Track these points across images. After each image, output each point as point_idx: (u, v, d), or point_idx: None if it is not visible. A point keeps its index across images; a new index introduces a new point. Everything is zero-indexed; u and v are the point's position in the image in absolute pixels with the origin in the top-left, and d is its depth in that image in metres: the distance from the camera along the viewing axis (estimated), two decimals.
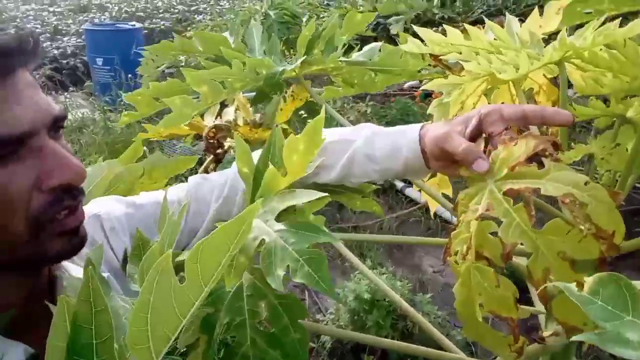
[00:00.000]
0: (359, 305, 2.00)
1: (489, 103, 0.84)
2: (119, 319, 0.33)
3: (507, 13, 0.72)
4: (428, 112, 0.76)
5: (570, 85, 0.64)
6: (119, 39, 5.12)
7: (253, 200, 0.64)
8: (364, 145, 0.66)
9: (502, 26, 0.68)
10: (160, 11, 8.47)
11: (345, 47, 0.83)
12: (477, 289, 0.48)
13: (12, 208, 0.49)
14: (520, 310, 0.53)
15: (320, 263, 0.45)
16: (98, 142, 4.07)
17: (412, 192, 3.22)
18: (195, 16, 7.93)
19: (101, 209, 0.66)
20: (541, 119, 0.55)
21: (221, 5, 9.14)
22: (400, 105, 3.88)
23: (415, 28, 0.71)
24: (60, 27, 7.04)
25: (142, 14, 8.13)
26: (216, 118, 1.27)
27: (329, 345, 2.02)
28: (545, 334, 0.64)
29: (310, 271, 0.45)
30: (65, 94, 5.23)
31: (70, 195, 0.52)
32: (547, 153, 0.49)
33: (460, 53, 0.65)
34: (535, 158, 0.50)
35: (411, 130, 0.64)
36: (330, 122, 0.80)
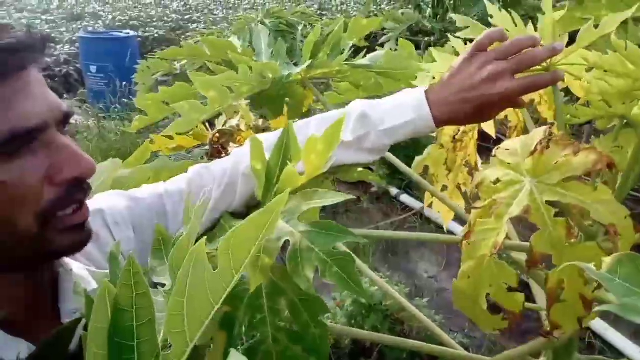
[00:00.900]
0: (357, 309, 2.01)
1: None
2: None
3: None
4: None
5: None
6: (114, 47, 5.14)
7: (265, 197, 0.65)
8: (366, 111, 0.68)
9: None
10: (154, 20, 8.48)
11: (352, 50, 0.85)
12: (490, 280, 0.49)
13: (23, 201, 0.49)
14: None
15: (348, 264, 0.46)
16: (92, 149, 4.06)
17: (407, 198, 3.25)
18: (190, 25, 7.95)
19: (103, 204, 0.67)
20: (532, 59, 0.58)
21: (215, 15, 9.19)
22: None
23: (432, 51, 0.74)
24: (53, 35, 7.02)
25: (136, 22, 8.14)
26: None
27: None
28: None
29: (340, 272, 0.46)
30: None
31: (80, 189, 0.53)
32: (599, 172, 0.49)
33: None
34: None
35: (416, 91, 0.67)
36: None
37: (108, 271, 0.51)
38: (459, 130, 0.79)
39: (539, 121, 0.83)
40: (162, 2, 11.24)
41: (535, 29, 0.64)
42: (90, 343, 0.32)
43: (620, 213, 0.46)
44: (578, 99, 0.70)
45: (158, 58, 1.03)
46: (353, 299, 2.01)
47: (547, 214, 0.48)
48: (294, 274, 0.48)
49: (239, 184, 0.70)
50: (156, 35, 7.25)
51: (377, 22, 0.87)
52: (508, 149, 0.55)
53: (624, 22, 0.54)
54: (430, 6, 4.19)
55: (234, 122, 1.30)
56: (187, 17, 8.99)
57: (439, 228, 3.09)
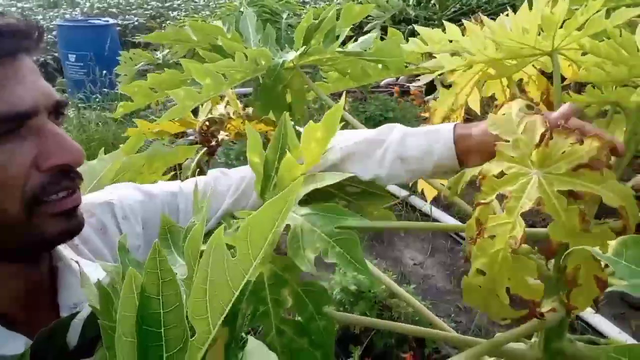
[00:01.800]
0: (345, 297, 2.02)
1: (480, 95, 0.88)
2: None
3: (476, 13, 0.74)
4: (429, 106, 0.79)
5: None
6: (93, 35, 5.03)
7: (264, 189, 0.65)
8: (395, 146, 0.66)
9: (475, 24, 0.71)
10: (134, 7, 8.31)
11: (344, 37, 0.85)
12: (508, 273, 0.49)
13: (9, 186, 0.49)
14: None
15: (351, 243, 0.46)
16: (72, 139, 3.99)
17: (391, 187, 3.27)
18: (170, 12, 7.81)
19: (114, 196, 0.66)
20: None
21: (196, 2, 9.03)
22: (379, 101, 3.92)
23: (417, 28, 0.73)
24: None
25: (114, 10, 7.97)
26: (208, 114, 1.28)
27: None
28: (543, 309, 0.68)
29: (342, 251, 0.46)
30: None
31: (68, 177, 0.53)
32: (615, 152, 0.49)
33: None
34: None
35: (444, 130, 0.64)
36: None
37: (112, 263, 0.51)
38: (452, 110, 0.80)
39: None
40: None
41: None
42: (118, 331, 0.32)
43: (627, 194, 0.47)
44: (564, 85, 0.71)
45: (142, 44, 1.01)
46: (341, 286, 2.03)
47: (559, 204, 0.48)
48: (295, 256, 0.48)
49: (253, 193, 0.70)
50: (136, 23, 7.11)
51: (369, 9, 0.86)
52: (508, 141, 0.55)
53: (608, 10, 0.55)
54: None
55: (221, 109, 1.29)
56: (168, 4, 8.82)
57: (423, 216, 3.13)
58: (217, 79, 0.77)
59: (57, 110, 0.54)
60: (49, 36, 6.23)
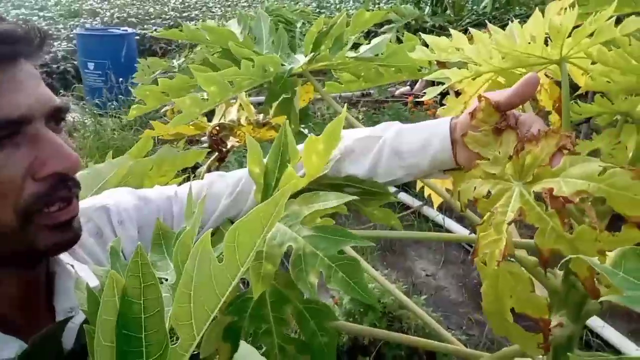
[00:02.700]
0: (355, 307, 2.01)
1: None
2: None
3: (490, 23, 0.74)
4: (437, 114, 0.78)
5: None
6: (112, 44, 5.12)
7: (264, 199, 0.64)
8: (391, 141, 0.65)
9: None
10: (152, 17, 8.46)
11: (352, 43, 0.85)
12: (508, 291, 0.48)
13: (2, 194, 0.48)
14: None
15: (354, 268, 0.45)
16: (89, 146, 4.05)
17: (404, 197, 3.25)
18: (188, 22, 7.93)
19: (110, 201, 0.66)
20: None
21: (213, 12, 9.16)
22: (392, 110, 3.92)
23: (424, 36, 0.73)
24: (50, 32, 6.98)
25: (133, 19, 8.12)
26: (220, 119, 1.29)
27: None
28: (552, 324, 0.66)
29: (345, 277, 0.45)
30: None
31: (65, 186, 0.51)
32: (567, 148, 0.49)
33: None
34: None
35: (441, 123, 0.64)
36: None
37: (107, 267, 0.50)
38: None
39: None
40: (160, 0, 11.20)
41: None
42: (97, 335, 0.31)
43: (590, 171, 0.46)
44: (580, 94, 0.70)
45: (154, 47, 1.02)
46: (351, 296, 2.01)
47: (540, 209, 0.47)
48: (298, 280, 0.47)
49: (251, 194, 0.69)
50: (154, 33, 7.22)
51: (379, 15, 0.86)
52: (488, 159, 0.56)
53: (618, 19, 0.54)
54: (428, 4, 4.21)
55: (233, 116, 1.29)
56: (185, 14, 8.98)
57: (436, 226, 3.10)
58: (223, 87, 0.77)
59: (56, 116, 0.53)
60: (69, 45, 6.37)
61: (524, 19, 0.69)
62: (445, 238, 1.34)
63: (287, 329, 0.49)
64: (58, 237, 0.52)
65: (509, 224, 0.48)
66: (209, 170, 1.27)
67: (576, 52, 0.59)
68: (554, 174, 0.49)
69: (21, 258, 0.53)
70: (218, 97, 0.76)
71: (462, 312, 2.53)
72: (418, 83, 5.67)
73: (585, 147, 0.59)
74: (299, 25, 3.67)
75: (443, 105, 0.86)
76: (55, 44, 6.49)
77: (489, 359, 0.67)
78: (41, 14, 9.26)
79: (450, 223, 3.06)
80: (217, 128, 1.19)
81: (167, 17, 8.57)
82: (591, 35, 0.58)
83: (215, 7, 10.05)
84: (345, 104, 0.69)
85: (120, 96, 4.74)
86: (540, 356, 0.74)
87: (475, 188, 0.56)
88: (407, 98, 5.05)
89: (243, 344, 0.31)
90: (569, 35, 0.58)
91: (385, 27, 3.36)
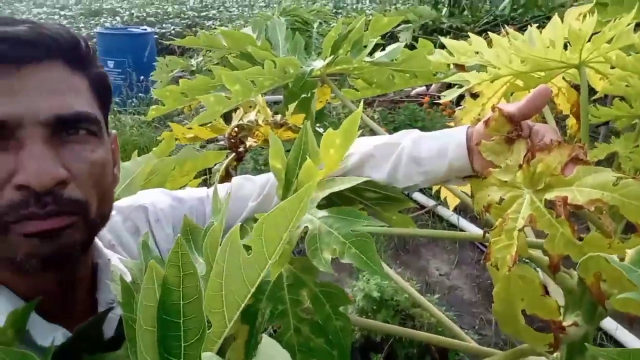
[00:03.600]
0: (367, 304, 2.02)
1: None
2: None
3: (506, 25, 0.75)
4: (455, 116, 0.79)
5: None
6: (131, 42, 5.19)
7: (285, 194, 0.67)
8: (410, 148, 0.67)
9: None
10: (171, 16, 8.55)
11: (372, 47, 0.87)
12: (519, 294, 0.50)
13: None
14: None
15: (367, 245, 0.47)
16: None
17: (419, 196, 3.25)
18: (205, 22, 8.00)
19: (147, 201, 0.69)
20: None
21: (230, 12, 9.23)
22: (408, 111, 3.92)
23: (443, 40, 0.74)
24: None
25: (152, 19, 8.22)
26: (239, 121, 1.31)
27: None
28: (565, 324, 0.67)
29: (358, 252, 0.47)
30: None
31: (38, 201, 0.48)
32: (579, 159, 0.50)
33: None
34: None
35: (458, 131, 0.66)
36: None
37: (138, 260, 0.53)
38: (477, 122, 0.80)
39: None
40: None
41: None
42: (139, 320, 0.33)
43: (604, 181, 0.47)
44: (597, 98, 0.71)
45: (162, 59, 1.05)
46: (364, 293, 2.02)
47: (551, 216, 0.49)
48: (314, 257, 0.49)
49: (275, 198, 0.71)
50: (172, 32, 7.31)
51: (397, 20, 0.88)
52: (500, 167, 0.57)
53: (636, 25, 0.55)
54: (446, 5, 4.20)
55: (251, 116, 1.32)
56: (203, 14, 9.05)
57: (450, 226, 3.10)
58: (246, 86, 0.80)
59: (68, 126, 0.51)
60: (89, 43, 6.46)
61: (542, 20, 0.69)
62: (459, 237, 1.35)
63: (302, 309, 0.51)
64: (34, 246, 0.49)
65: (520, 230, 0.49)
66: (227, 169, 1.30)
67: (595, 57, 0.60)
68: (567, 182, 0.50)
69: (10, 267, 0.51)
70: (241, 96, 0.78)
71: (475, 312, 2.52)
72: (434, 84, 5.66)
73: (603, 150, 0.60)
74: (315, 25, 3.70)
75: (459, 106, 0.87)
76: None
77: (502, 356, 0.68)
78: (62, 13, 9.42)
79: (464, 223, 3.06)
80: (236, 129, 1.21)
81: (186, 16, 8.65)
82: (610, 40, 0.59)
83: (233, 7, 10.12)
84: (362, 101, 0.71)
85: (139, 94, 4.81)
86: (556, 354, 0.75)
87: (489, 195, 0.57)
88: (423, 98, 5.04)
89: (265, 337, 0.32)
90: (589, 40, 0.59)
91: (402, 26, 3.36)
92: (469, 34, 0.71)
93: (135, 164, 0.79)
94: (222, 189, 0.76)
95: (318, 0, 8.64)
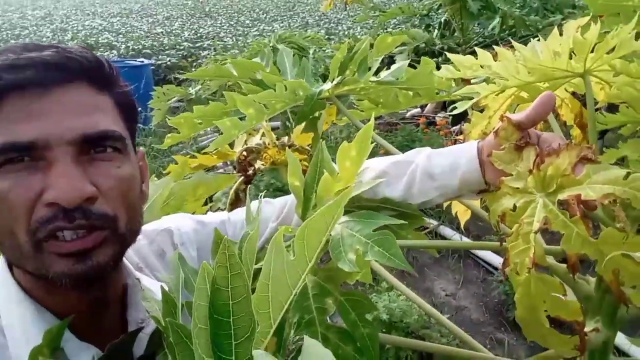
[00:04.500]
0: (379, 327, 2.01)
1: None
2: None
3: (497, 45, 0.78)
4: (463, 129, 0.81)
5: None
6: (129, 75, 5.26)
7: (305, 211, 0.68)
8: (423, 164, 0.69)
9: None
10: (166, 48, 8.69)
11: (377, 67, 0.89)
12: (542, 297, 0.51)
13: (16, 214, 0.49)
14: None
15: (390, 242, 0.48)
16: None
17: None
18: (200, 52, 8.14)
19: (172, 225, 0.71)
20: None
21: (224, 42, 9.39)
22: (405, 132, 3.97)
23: (450, 55, 0.77)
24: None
25: (148, 51, 8.36)
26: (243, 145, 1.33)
27: None
28: (587, 329, 0.67)
29: (381, 250, 0.48)
30: None
31: (66, 217, 0.49)
32: (588, 159, 0.52)
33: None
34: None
35: (469, 145, 0.68)
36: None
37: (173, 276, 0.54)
38: (484, 134, 0.82)
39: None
40: (173, 31, 11.52)
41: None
42: (194, 319, 0.35)
43: (614, 177, 0.48)
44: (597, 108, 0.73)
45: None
46: (374, 316, 2.01)
47: (564, 217, 0.50)
48: (338, 260, 0.50)
49: (294, 218, 0.74)
50: (169, 63, 7.42)
51: (401, 39, 0.91)
52: (512, 175, 0.59)
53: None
54: (437, 28, 4.30)
55: (257, 140, 1.34)
56: (198, 44, 9.21)
57: None
58: (259, 109, 0.82)
59: (93, 144, 0.52)
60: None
61: (530, 40, 0.72)
62: (479, 246, 1.35)
63: (328, 316, 0.51)
64: (71, 266, 0.50)
65: (536, 232, 0.50)
66: (236, 192, 1.31)
67: (599, 65, 0.63)
68: (578, 182, 0.51)
69: (53, 283, 0.52)
70: (255, 119, 0.80)
71: (484, 332, 2.50)
72: (429, 104, 5.74)
73: (612, 155, 0.62)
74: (311, 51, 3.76)
75: (456, 126, 0.89)
76: None
77: None
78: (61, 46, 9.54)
79: (467, 242, 3.06)
80: (245, 153, 1.23)
81: (181, 47, 8.81)
82: (612, 50, 0.61)
83: (227, 37, 10.31)
84: (373, 116, 0.73)
85: (138, 125, 4.84)
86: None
87: (502, 204, 0.58)
88: (419, 120, 5.10)
89: (307, 338, 0.33)
90: (592, 51, 0.62)
91: (398, 49, 3.44)
92: (475, 48, 0.74)
93: (154, 187, 0.80)
94: (243, 211, 0.78)
95: (311, 26, 8.82)
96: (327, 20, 13.42)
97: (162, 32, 11.26)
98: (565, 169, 0.52)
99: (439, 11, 4.56)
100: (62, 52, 0.53)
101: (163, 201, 0.80)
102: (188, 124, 0.92)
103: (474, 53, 0.76)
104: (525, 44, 0.70)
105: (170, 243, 0.70)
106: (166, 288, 0.51)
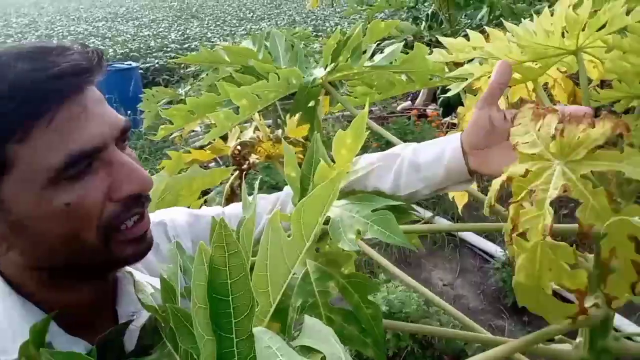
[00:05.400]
0: None
1: (507, 100, 0.90)
2: None
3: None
4: (458, 112, 0.81)
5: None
6: (117, 78, 5.23)
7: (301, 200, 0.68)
8: (409, 156, 0.71)
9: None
10: (154, 50, 8.64)
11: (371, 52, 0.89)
12: (548, 264, 0.50)
13: (86, 219, 0.51)
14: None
15: (389, 220, 0.49)
16: None
17: (415, 207, 3.27)
18: (188, 54, 8.09)
19: (166, 218, 0.71)
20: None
21: (212, 42, 9.35)
22: (397, 125, 3.97)
23: (441, 38, 0.77)
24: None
25: (136, 54, 8.30)
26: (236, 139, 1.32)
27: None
28: (586, 305, 0.68)
29: (381, 228, 0.48)
30: None
31: (139, 203, 0.55)
32: (622, 136, 0.50)
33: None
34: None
35: (453, 137, 0.69)
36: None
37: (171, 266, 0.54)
38: None
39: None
40: (160, 33, 11.45)
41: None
42: (193, 299, 0.35)
43: None
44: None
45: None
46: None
47: (585, 188, 0.49)
48: (338, 240, 0.50)
49: (287, 209, 0.75)
50: (156, 65, 7.38)
51: (394, 24, 0.90)
52: (527, 142, 0.58)
53: None
54: (425, 20, 4.30)
55: (250, 133, 1.33)
56: (186, 45, 9.16)
57: (449, 235, 3.11)
58: (252, 100, 0.81)
59: (124, 136, 0.55)
60: None
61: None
62: (489, 229, 1.34)
63: (331, 298, 0.52)
64: (136, 248, 0.56)
65: (554, 200, 0.49)
66: (232, 187, 1.31)
67: (591, 42, 0.63)
68: (617, 157, 0.50)
69: (103, 269, 0.58)
70: (248, 110, 0.79)
71: (482, 319, 2.52)
72: (419, 97, 5.75)
73: None
74: (300, 47, 3.73)
75: (447, 117, 0.89)
76: None
77: (527, 340, 0.68)
78: None
79: (463, 233, 3.07)
80: (239, 147, 1.22)
81: (168, 49, 8.75)
82: (603, 26, 0.61)
83: (214, 38, 10.26)
84: (367, 103, 0.72)
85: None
86: (579, 339, 0.76)
87: (509, 169, 0.57)
88: (410, 112, 5.11)
89: (307, 317, 0.33)
90: (584, 29, 0.62)
91: (386, 42, 3.44)
92: (467, 30, 0.74)
93: None
94: (237, 205, 0.78)
95: (298, 24, 8.80)
96: (314, 17, 13.40)
97: (148, 35, 11.19)
98: (597, 139, 0.51)
99: (426, 3, 4.56)
100: (83, 52, 0.53)
101: (159, 196, 0.79)
102: (181, 114, 0.91)
103: None
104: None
105: (164, 236, 0.70)
106: (151, 289, 0.51)
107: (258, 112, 0.98)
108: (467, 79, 0.76)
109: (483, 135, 0.65)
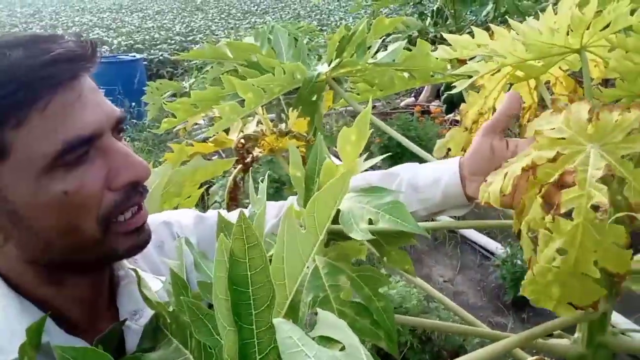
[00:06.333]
0: None
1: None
2: None
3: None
4: (460, 109, 0.81)
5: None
6: (121, 70, 5.24)
7: (306, 202, 0.68)
8: (408, 176, 0.71)
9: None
10: (158, 42, 8.64)
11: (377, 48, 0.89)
12: (593, 246, 0.50)
13: (84, 208, 0.51)
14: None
15: (400, 209, 0.49)
16: None
17: None
18: (193, 46, 8.09)
19: (172, 217, 0.72)
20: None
21: (216, 35, 9.34)
22: (400, 121, 3.97)
23: (445, 35, 0.77)
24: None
25: (140, 46, 8.30)
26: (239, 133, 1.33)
27: None
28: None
29: (393, 217, 0.49)
30: None
31: (137, 192, 0.54)
32: None
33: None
34: None
35: (451, 161, 0.70)
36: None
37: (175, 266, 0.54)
38: (480, 114, 0.82)
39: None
40: (165, 25, 11.44)
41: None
42: (214, 290, 0.35)
43: None
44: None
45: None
46: None
47: (625, 169, 0.50)
48: (350, 231, 0.50)
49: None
50: (161, 57, 7.37)
51: (399, 20, 0.91)
52: (553, 128, 0.58)
53: None
54: (430, 16, 4.29)
55: (253, 127, 1.34)
56: (190, 38, 9.16)
57: (450, 232, 3.12)
58: (257, 93, 0.82)
59: (119, 126, 0.55)
60: None
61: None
62: (505, 225, 1.32)
63: (341, 292, 0.52)
64: (135, 240, 0.56)
65: (598, 179, 0.49)
66: (235, 180, 1.31)
67: (595, 41, 0.63)
68: None
69: (101, 263, 0.57)
70: (253, 104, 0.80)
71: (482, 316, 2.53)
72: (422, 93, 5.74)
73: None
74: (305, 42, 3.73)
75: (450, 113, 0.89)
76: None
77: (518, 337, 0.68)
78: None
79: (464, 230, 3.08)
80: (243, 140, 1.23)
81: (173, 41, 8.75)
82: (608, 25, 0.61)
83: (219, 30, 10.25)
84: (370, 100, 0.73)
85: (132, 120, 4.84)
86: (577, 334, 0.76)
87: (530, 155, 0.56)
88: (413, 108, 5.11)
89: (321, 311, 0.34)
90: (588, 28, 0.62)
91: (392, 37, 3.43)
92: (472, 27, 0.74)
93: (153, 175, 0.80)
94: (234, 214, 0.78)
95: (302, 18, 8.77)
96: (318, 11, 13.36)
97: (153, 27, 11.17)
98: (633, 122, 0.51)
99: None
100: (77, 41, 0.53)
101: (163, 188, 0.80)
102: (184, 108, 0.92)
103: None
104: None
105: (169, 235, 0.70)
106: (155, 287, 0.52)
107: (261, 106, 0.99)
108: (472, 77, 0.77)
109: (483, 163, 0.65)
